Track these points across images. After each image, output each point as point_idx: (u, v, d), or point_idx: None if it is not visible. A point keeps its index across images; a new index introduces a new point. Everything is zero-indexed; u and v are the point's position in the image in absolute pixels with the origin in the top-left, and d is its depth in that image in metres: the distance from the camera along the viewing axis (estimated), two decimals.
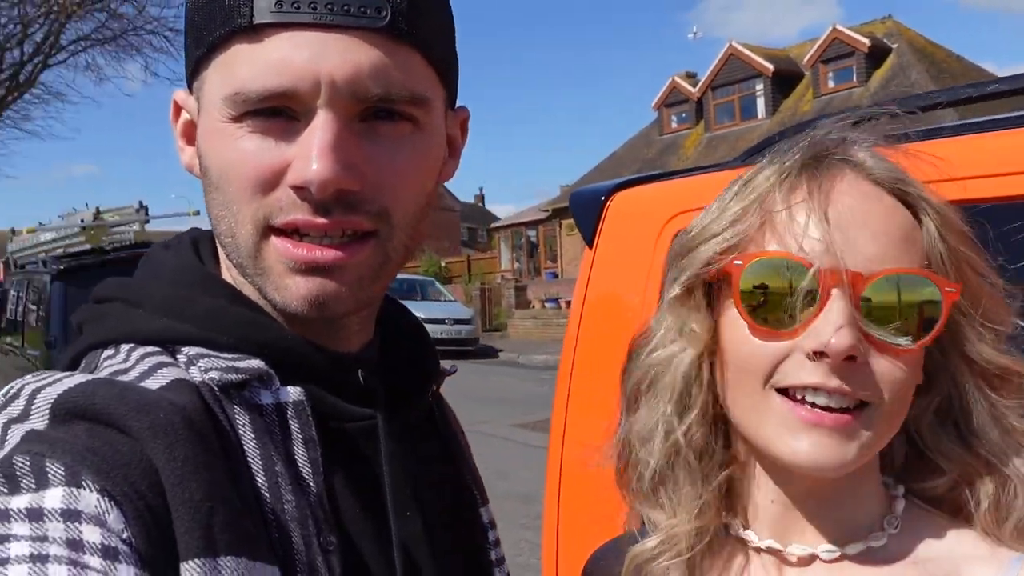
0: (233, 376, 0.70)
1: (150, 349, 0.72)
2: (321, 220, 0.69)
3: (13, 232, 12.00)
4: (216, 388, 0.69)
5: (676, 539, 0.83)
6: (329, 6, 0.67)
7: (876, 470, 0.83)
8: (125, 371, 0.69)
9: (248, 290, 0.77)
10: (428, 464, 0.87)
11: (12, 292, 10.14)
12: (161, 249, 0.84)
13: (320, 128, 0.67)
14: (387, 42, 0.69)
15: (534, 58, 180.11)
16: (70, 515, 0.55)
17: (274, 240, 0.70)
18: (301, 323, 0.76)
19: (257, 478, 0.67)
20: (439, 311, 20.52)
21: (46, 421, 0.61)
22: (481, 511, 0.93)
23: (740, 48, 27.66)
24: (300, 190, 0.68)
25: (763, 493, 0.82)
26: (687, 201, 1.79)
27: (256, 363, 0.72)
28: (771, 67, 26.71)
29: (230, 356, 0.72)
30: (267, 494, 0.67)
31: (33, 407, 0.62)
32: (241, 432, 0.69)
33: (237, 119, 0.69)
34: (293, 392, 0.72)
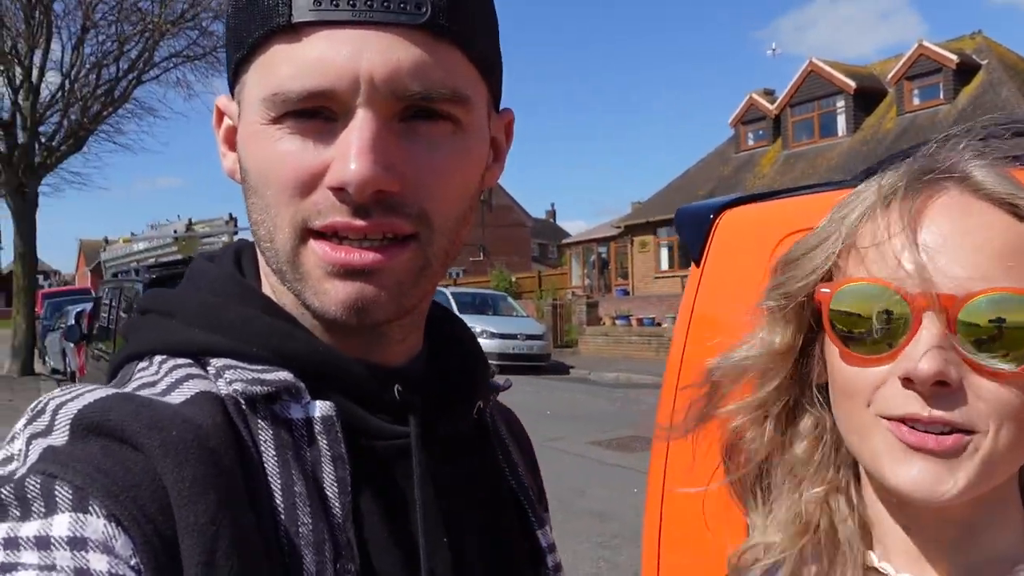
0: (258, 388, 0.68)
1: (180, 361, 0.71)
2: (360, 222, 0.67)
3: (107, 241, 12.50)
4: (242, 401, 0.68)
5: (769, 548, 0.82)
6: (368, 3, 0.65)
7: (1017, 499, 0.80)
8: (153, 384, 0.69)
9: (287, 300, 0.75)
10: (472, 483, 0.82)
11: (105, 300, 10.53)
12: (204, 260, 0.83)
13: (359, 128, 0.65)
14: (427, 39, 0.67)
15: (608, 74, 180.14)
16: (76, 543, 0.55)
17: (312, 244, 0.69)
18: (341, 334, 0.74)
19: (275, 497, 0.65)
20: (512, 326, 20.54)
21: (66, 437, 0.61)
22: (538, 533, 0.88)
23: (820, 65, 27.14)
24: (339, 191, 0.66)
25: (895, 522, 0.80)
26: (801, 220, 1.76)
27: (284, 375, 0.70)
28: (853, 84, 26.12)
29: (258, 368, 0.70)
30: (282, 515, 0.65)
31: (55, 422, 0.62)
32: (263, 448, 0.67)
33: (276, 120, 0.68)
34: (322, 406, 0.70)
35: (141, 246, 10.64)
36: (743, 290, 1.85)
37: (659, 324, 24.85)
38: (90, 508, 0.56)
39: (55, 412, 0.63)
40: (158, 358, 0.73)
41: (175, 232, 9.93)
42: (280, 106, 0.67)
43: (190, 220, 9.92)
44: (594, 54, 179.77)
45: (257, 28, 0.68)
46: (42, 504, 0.56)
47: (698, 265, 2.01)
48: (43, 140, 19.81)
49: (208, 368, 0.71)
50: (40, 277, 41.15)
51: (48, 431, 0.61)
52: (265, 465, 0.66)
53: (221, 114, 0.78)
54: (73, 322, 14.21)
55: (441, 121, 0.69)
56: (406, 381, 0.76)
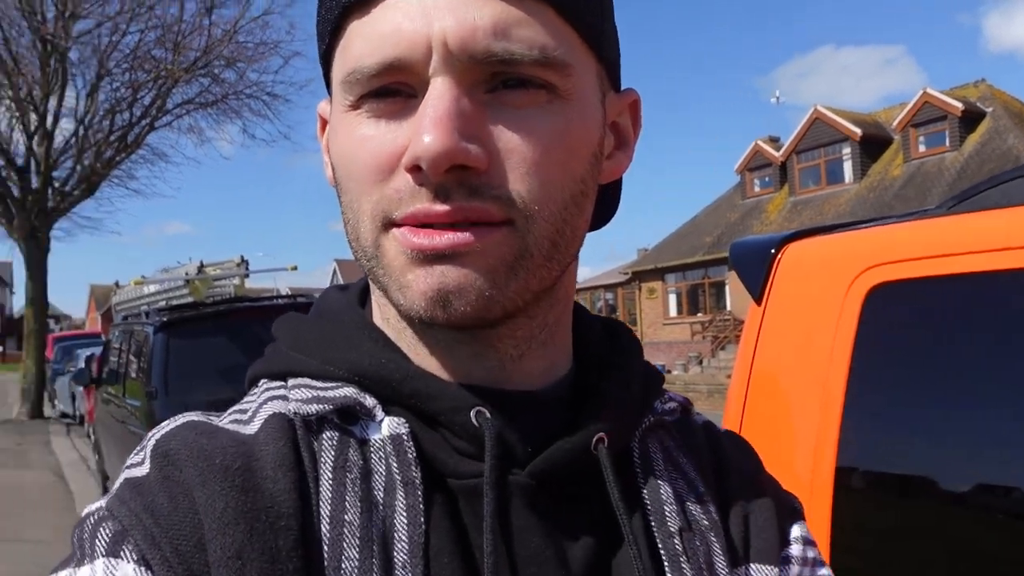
0: (314, 407, 0.63)
1: (274, 384, 0.69)
2: (441, 207, 0.58)
3: (118, 285, 12.46)
4: (312, 421, 0.63)
5: None
6: None
7: None
8: (245, 411, 0.67)
9: (390, 314, 0.67)
10: (579, 529, 0.65)
11: (114, 344, 10.45)
12: (333, 288, 0.78)
13: (434, 97, 0.58)
14: None
15: None
16: None
17: (394, 231, 0.61)
18: (443, 348, 0.65)
19: (322, 525, 0.58)
20: None
21: (147, 467, 0.61)
22: None
23: (825, 112, 27.35)
24: (416, 172, 0.58)
25: None
26: (884, 252, 1.67)
27: (347, 391, 0.64)
28: (859, 131, 26.29)
29: (326, 385, 0.65)
30: (326, 547, 0.57)
31: (145, 452, 0.63)
32: (320, 471, 0.60)
33: (355, 105, 0.61)
34: (391, 424, 0.63)
35: (152, 288, 10.55)
36: (814, 329, 1.76)
37: (669, 371, 24.65)
38: (122, 552, 0.56)
39: (147, 441, 0.63)
40: (262, 382, 0.71)
41: (187, 274, 9.86)
42: (356, 86, 0.60)
43: (201, 262, 9.82)
44: None
45: (334, 12, 0.63)
46: (89, 546, 0.57)
47: (759, 304, 1.92)
48: (56, 185, 19.92)
49: (289, 389, 0.67)
50: (51, 321, 41.23)
51: (140, 462, 0.62)
52: (320, 490, 0.60)
53: (324, 121, 0.71)
54: (83, 365, 14.15)
55: (533, 89, 0.60)
56: (519, 407, 0.65)
